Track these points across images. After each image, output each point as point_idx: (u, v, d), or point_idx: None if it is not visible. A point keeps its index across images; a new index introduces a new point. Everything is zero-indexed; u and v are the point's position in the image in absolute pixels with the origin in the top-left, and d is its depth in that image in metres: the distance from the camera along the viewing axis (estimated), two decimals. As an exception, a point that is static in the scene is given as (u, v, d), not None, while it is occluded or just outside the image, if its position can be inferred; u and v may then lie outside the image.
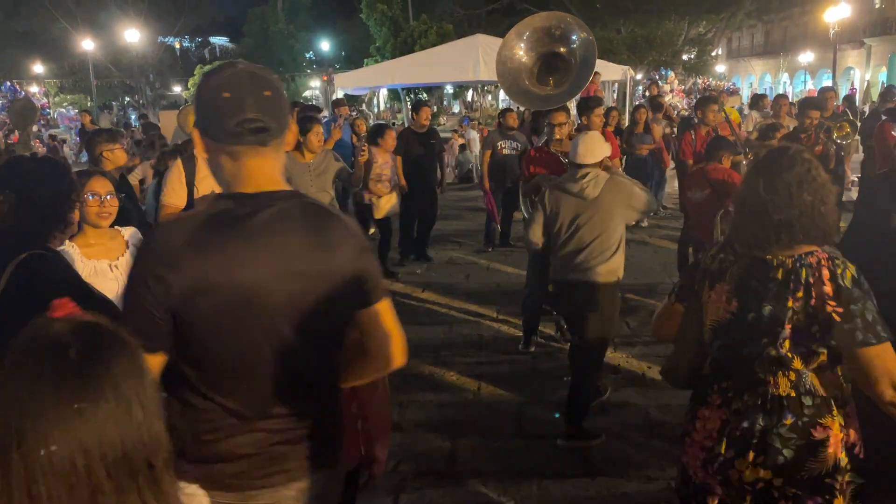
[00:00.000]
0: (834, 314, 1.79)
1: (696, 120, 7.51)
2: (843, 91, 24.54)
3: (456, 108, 36.69)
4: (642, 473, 3.58)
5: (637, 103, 11.83)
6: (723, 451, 1.93)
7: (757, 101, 11.29)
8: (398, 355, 1.73)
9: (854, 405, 1.95)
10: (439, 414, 4.30)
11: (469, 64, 13.78)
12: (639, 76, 28.68)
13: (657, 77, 21.62)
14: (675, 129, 9.91)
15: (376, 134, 7.01)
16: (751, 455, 1.88)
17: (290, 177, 4.95)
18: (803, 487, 1.86)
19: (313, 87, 40.68)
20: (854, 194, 8.76)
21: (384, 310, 1.69)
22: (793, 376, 1.86)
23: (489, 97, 32.63)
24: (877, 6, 34.02)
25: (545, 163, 4.87)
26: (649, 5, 26.21)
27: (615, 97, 19.18)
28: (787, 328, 1.83)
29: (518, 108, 8.59)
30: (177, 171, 3.75)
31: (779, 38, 42.75)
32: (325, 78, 32.76)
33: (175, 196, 3.70)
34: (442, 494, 3.48)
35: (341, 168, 5.29)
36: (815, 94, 14.88)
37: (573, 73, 4.26)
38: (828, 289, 1.80)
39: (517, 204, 6.71)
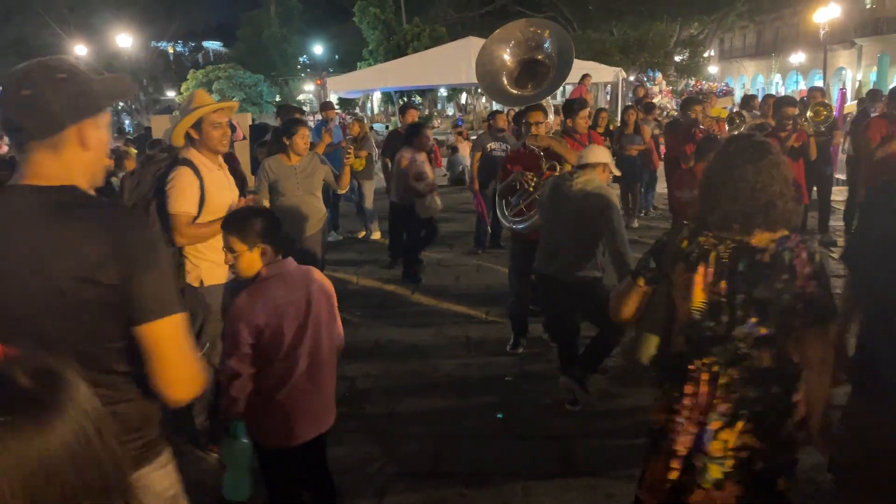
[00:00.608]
0: (815, 292, 1.96)
1: (681, 121, 7.56)
2: (833, 91, 24.64)
3: (450, 111, 36.73)
4: (628, 473, 3.57)
5: (627, 104, 11.86)
6: (710, 425, 2.04)
7: (747, 101, 11.33)
8: (173, 388, 1.56)
9: None
10: (425, 415, 4.30)
11: (462, 66, 13.81)
12: (631, 78, 28.78)
13: (645, 78, 21.68)
14: (662, 131, 9.94)
15: (413, 134, 7.01)
16: (739, 424, 2.03)
17: (277, 180, 4.97)
18: (779, 447, 2.05)
19: (307, 91, 40.70)
20: (841, 195, 8.80)
21: (160, 333, 1.52)
22: (775, 350, 2.01)
23: (483, 99, 32.66)
24: (867, 6, 34.17)
25: (522, 160, 4.88)
26: (641, 7, 26.33)
27: (608, 98, 19.24)
28: (776, 307, 1.96)
29: (508, 110, 8.61)
30: (188, 177, 3.47)
31: (770, 39, 42.90)
32: (319, 82, 32.82)
33: (187, 203, 3.45)
34: (426, 496, 3.47)
35: (329, 171, 5.28)
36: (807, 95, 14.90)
37: (552, 75, 4.32)
38: (808, 269, 1.96)
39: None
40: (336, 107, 25.56)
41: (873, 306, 2.11)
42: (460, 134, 15.25)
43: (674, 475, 2.14)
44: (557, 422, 4.14)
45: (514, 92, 4.47)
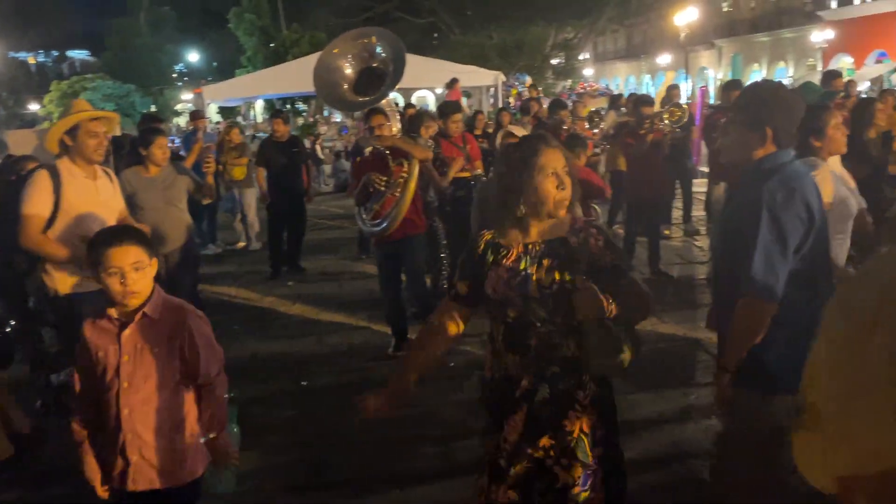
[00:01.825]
0: (608, 264, 2.07)
1: (547, 122, 7.83)
2: (693, 90, 26.22)
3: (338, 117, 36.36)
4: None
5: (500, 107, 12.16)
6: (534, 411, 2.10)
7: (614, 101, 11.88)
8: None
9: None
10: (306, 426, 4.22)
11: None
12: (502, 80, 29.55)
13: (516, 82, 22.36)
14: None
15: (439, 135, 6.64)
16: (543, 388, 2.10)
17: (136, 192, 4.74)
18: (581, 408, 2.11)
19: (185, 101, 39.21)
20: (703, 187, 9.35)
21: None
22: (578, 340, 2.06)
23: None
24: (723, 9, 36.65)
25: (371, 165, 4.90)
26: (517, 12, 27.04)
27: (491, 102, 19.63)
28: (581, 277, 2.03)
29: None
30: (42, 179, 3.49)
31: (639, 42, 45.21)
32: (198, 91, 31.68)
33: (36, 206, 3.46)
34: (305, 508, 3.41)
35: (190, 181, 5.09)
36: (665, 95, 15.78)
37: (387, 81, 4.42)
38: (601, 243, 2.08)
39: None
40: (217, 116, 24.76)
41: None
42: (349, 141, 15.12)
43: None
44: (439, 423, 4.17)
45: (358, 99, 4.51)
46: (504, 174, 2.13)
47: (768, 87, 2.60)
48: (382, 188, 4.75)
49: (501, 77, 17.98)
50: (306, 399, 4.58)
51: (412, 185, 4.76)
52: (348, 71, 4.53)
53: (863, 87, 18.67)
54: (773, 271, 2.18)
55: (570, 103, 10.85)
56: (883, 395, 1.30)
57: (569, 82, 34.38)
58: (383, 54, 4.44)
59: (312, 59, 16.73)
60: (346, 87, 4.46)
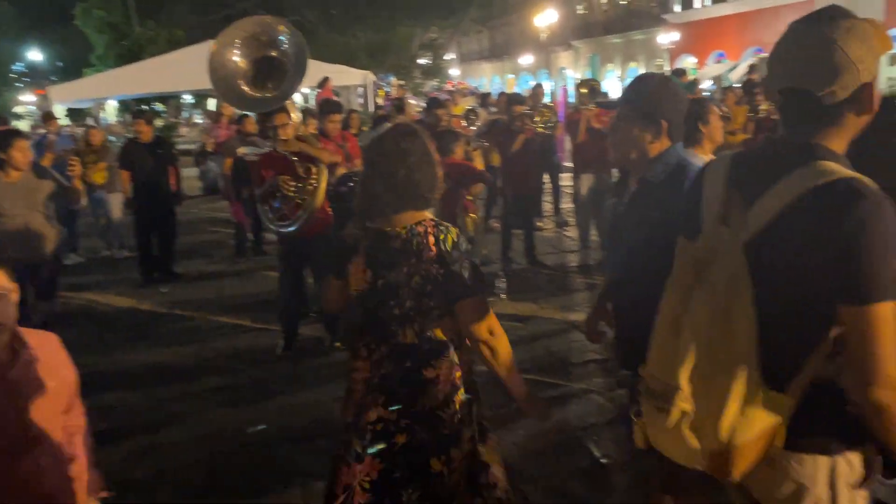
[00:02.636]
0: (439, 275, 2.07)
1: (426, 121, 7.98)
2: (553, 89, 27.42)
3: (199, 119, 34.90)
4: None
5: (376, 106, 12.20)
6: (363, 395, 2.16)
7: (484, 99, 12.26)
8: None
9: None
10: (196, 432, 4.10)
11: (205, 71, 13.18)
12: (371, 79, 29.57)
13: (382, 83, 22.47)
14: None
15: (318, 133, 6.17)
16: (380, 398, 2.13)
17: (-6, 198, 4.41)
18: (416, 419, 2.12)
19: (26, 103, 36.18)
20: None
21: None
22: (416, 327, 2.12)
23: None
24: (578, 12, 38.48)
25: (276, 165, 4.83)
26: (381, 11, 27.10)
27: (360, 101, 19.58)
28: (407, 290, 2.08)
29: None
30: None
31: (502, 43, 46.59)
32: (41, 91, 29.34)
33: None
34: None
35: (52, 185, 4.76)
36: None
37: (289, 75, 4.27)
38: (433, 253, 2.07)
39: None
40: (66, 119, 23.06)
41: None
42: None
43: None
44: (332, 420, 4.17)
45: (256, 95, 4.32)
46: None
47: (658, 80, 2.45)
48: (292, 193, 4.66)
49: (371, 76, 18.00)
50: (194, 405, 4.44)
51: (322, 192, 4.71)
52: (241, 60, 4.30)
53: (705, 84, 20.32)
54: None
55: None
56: (743, 375, 1.51)
57: (436, 82, 34.96)
58: (286, 47, 4.27)
59: (170, 57, 16.20)
60: (242, 82, 4.28)
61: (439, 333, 2.15)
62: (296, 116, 4.75)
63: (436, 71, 34.06)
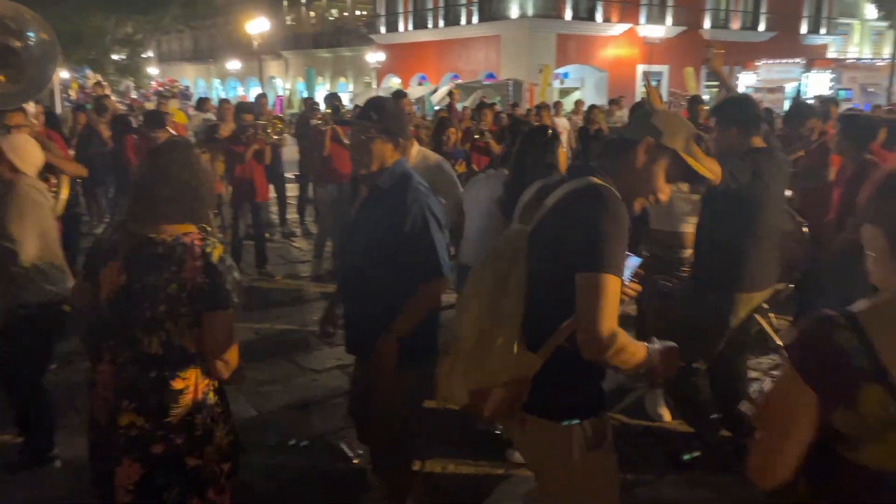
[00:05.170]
0: (203, 285, 2.15)
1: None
2: (272, 96, 27.20)
3: None
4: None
5: (78, 104, 11.04)
6: (111, 399, 2.18)
7: (201, 103, 11.80)
8: None
9: None
10: None
11: None
12: (65, 74, 26.50)
13: (78, 76, 20.44)
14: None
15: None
16: (126, 403, 2.16)
17: None
18: (169, 428, 2.18)
19: None
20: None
21: None
22: (163, 336, 2.16)
23: None
24: (287, 23, 38.58)
25: None
26: (70, -1, 24.36)
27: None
28: (163, 295, 2.13)
29: None
30: None
31: (207, 45, 44.74)
32: None
33: None
34: None
35: None
36: (248, 101, 16.28)
37: (29, 74, 3.79)
38: (199, 264, 2.15)
39: None
40: None
41: None
42: None
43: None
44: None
45: None
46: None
47: (388, 102, 2.88)
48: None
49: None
50: None
51: (63, 201, 4.44)
52: None
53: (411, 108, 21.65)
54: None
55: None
56: (508, 331, 2.00)
57: (131, 80, 32.45)
58: (32, 42, 3.71)
59: None
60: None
61: (187, 344, 2.18)
62: (33, 108, 4.23)
63: (132, 68, 31.65)
